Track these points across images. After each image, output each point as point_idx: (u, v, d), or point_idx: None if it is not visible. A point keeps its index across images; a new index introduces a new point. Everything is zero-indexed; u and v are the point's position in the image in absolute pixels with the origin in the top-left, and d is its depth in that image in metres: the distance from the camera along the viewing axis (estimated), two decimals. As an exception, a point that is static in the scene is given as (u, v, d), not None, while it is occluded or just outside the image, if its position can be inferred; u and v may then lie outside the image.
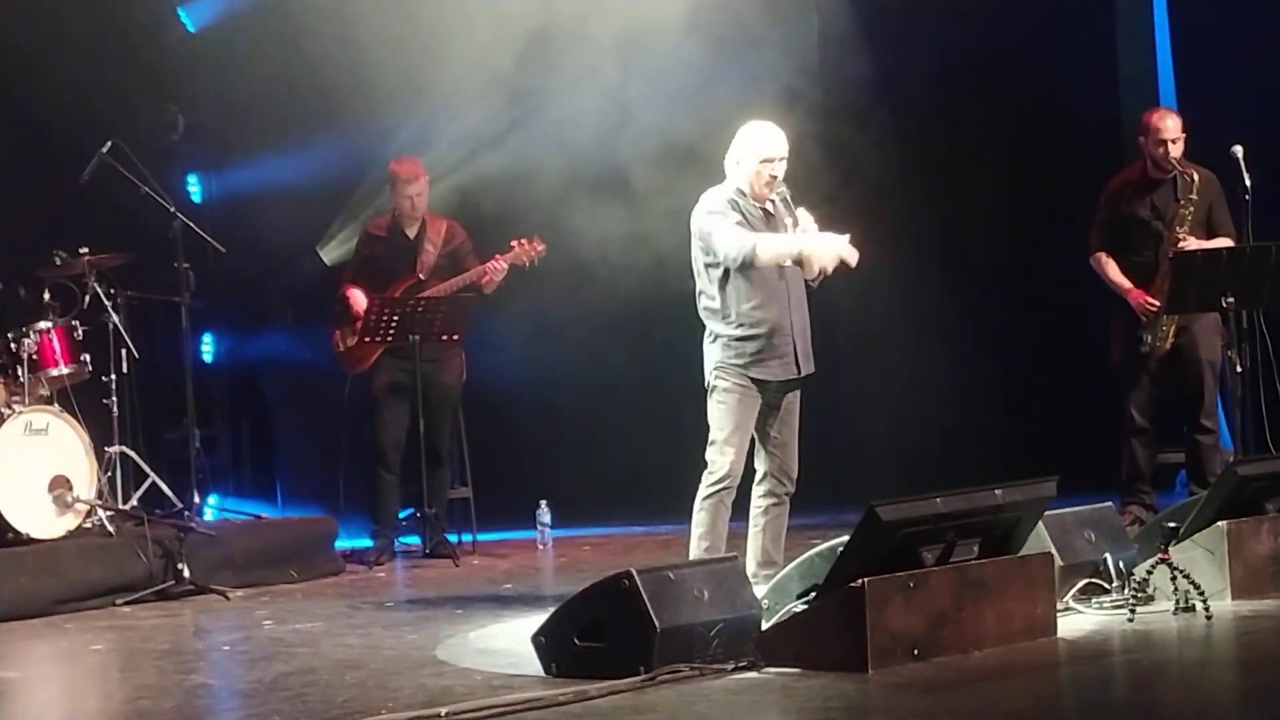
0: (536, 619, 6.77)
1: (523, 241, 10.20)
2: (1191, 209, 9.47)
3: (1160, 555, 7.05)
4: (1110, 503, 7.84)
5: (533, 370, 11.25)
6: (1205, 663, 6.60)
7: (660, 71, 9.36)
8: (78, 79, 10.39)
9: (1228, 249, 9.20)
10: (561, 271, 10.55)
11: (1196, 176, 9.47)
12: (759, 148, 7.69)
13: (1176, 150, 9.48)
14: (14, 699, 6.82)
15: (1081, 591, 7.27)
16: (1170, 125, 9.52)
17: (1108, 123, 11.70)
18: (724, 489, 7.72)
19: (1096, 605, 7.20)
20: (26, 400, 9.15)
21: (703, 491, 7.74)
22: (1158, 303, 9.40)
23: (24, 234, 9.96)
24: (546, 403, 11.74)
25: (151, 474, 9.57)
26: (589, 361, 10.76)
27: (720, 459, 7.71)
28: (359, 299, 10.24)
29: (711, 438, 7.74)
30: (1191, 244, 9.39)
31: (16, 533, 8.85)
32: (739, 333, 7.71)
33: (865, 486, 9.99)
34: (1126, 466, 9.76)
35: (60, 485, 9.02)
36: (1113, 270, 9.63)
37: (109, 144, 9.71)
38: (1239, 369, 8.94)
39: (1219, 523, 7.37)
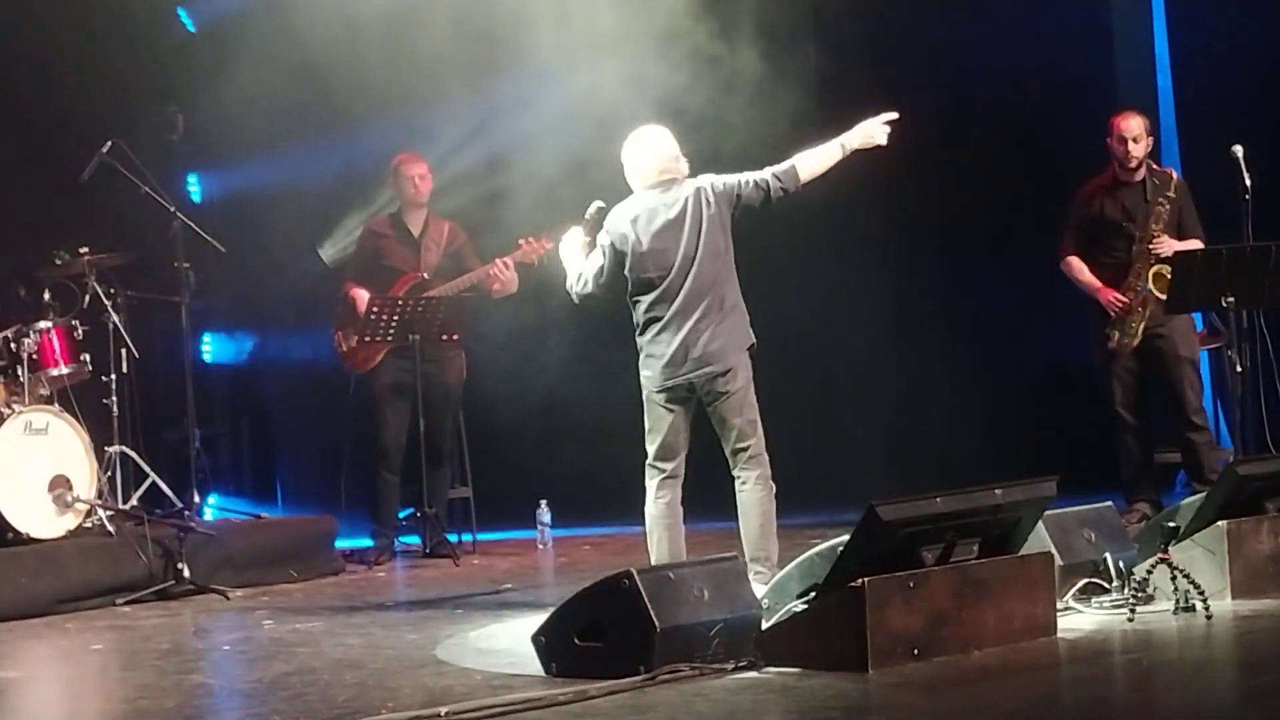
0: (536, 619, 6.76)
1: (530, 240, 10.19)
2: (1166, 208, 9.55)
3: (1160, 555, 7.06)
4: (1110, 503, 7.82)
5: (533, 370, 11.24)
6: (1205, 663, 6.60)
7: (662, 67, 9.34)
8: (78, 79, 10.39)
9: (1229, 248, 9.21)
10: (562, 270, 10.53)
11: (1173, 177, 9.58)
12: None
13: (1138, 150, 9.63)
14: (14, 699, 6.82)
15: (1081, 591, 7.26)
16: (1132, 125, 9.68)
17: (1105, 124, 11.69)
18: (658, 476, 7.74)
19: (1096, 605, 7.20)
20: (26, 400, 9.15)
21: None
22: (1127, 299, 9.53)
23: (24, 234, 9.96)
24: (546, 403, 11.73)
25: (151, 474, 9.58)
26: (589, 361, 10.74)
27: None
28: (363, 299, 10.22)
29: None
30: (1166, 243, 9.50)
31: (16, 533, 8.85)
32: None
33: (865, 486, 9.99)
34: (1127, 465, 9.79)
35: (60, 485, 9.02)
36: (1082, 272, 9.77)
37: (109, 144, 9.71)
38: (1239, 369, 8.95)
39: (1219, 523, 7.37)
